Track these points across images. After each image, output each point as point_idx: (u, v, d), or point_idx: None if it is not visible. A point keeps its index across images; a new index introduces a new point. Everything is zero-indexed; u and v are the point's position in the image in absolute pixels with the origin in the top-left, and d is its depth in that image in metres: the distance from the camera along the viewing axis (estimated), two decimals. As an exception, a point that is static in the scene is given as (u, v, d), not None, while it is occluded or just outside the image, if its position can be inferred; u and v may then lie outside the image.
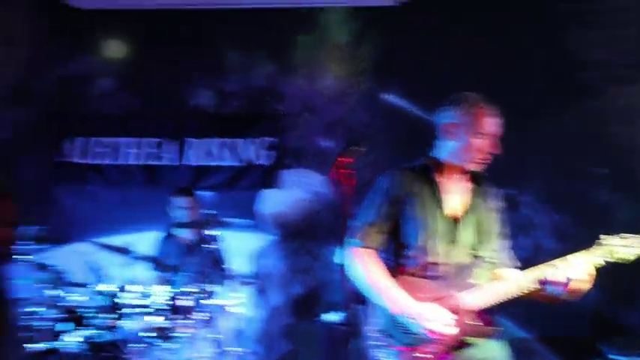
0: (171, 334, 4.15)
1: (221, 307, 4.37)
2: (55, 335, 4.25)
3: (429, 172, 2.75)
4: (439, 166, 2.76)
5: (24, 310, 4.34)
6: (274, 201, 5.46)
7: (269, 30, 5.45)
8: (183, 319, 4.17)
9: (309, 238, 5.43)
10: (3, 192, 3.15)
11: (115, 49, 5.68)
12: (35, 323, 4.34)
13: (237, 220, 4.75)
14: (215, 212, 4.50)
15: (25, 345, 4.25)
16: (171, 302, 4.18)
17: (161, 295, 4.18)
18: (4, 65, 5.70)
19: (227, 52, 5.51)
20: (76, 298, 4.38)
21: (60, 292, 4.39)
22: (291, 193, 5.46)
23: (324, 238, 5.38)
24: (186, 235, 4.97)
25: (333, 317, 4.82)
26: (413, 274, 2.69)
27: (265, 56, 5.51)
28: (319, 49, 5.51)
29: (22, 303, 4.23)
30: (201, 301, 4.26)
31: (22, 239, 4.48)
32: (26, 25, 5.67)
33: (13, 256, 4.07)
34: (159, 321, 4.14)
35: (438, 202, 2.72)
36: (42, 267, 4.58)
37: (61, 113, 5.69)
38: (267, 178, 5.50)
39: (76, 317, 4.32)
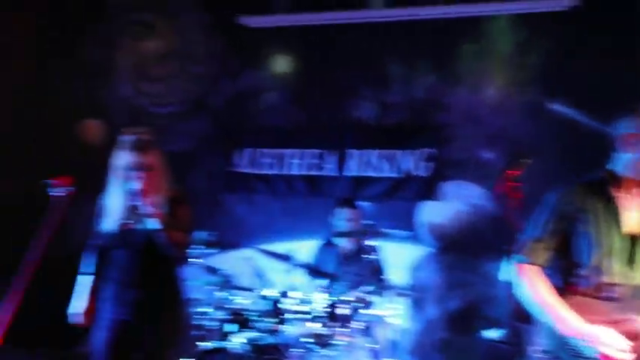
0: (329, 342, 4.16)
1: (378, 317, 4.34)
2: (223, 335, 4.39)
3: (605, 187, 2.59)
4: (616, 180, 2.59)
5: (195, 310, 4.52)
6: (433, 213, 5.39)
7: (432, 41, 5.39)
8: (341, 327, 4.17)
9: (467, 251, 5.29)
10: (181, 199, 3.28)
11: (281, 64, 5.84)
12: (205, 323, 4.52)
13: (395, 231, 4.73)
14: (374, 223, 4.49)
15: (197, 343, 4.43)
16: (330, 310, 4.19)
17: (320, 302, 4.21)
18: (184, 81, 6.05)
19: (390, 64, 5.50)
20: (241, 301, 4.54)
21: (227, 295, 4.54)
22: (451, 205, 5.35)
23: (484, 252, 5.21)
24: (345, 244, 5.00)
25: (493, 334, 4.72)
26: (584, 295, 2.55)
27: (428, 67, 5.45)
28: (483, 58, 5.37)
29: (194, 303, 4.38)
30: (359, 310, 4.24)
31: (195, 244, 4.72)
32: (203, 43, 5.99)
33: (188, 260, 4.22)
34: (318, 327, 4.17)
35: (615, 218, 2.55)
36: (212, 270, 4.77)
37: (232, 126, 5.93)
38: (426, 189, 5.43)
39: (241, 319, 4.46)
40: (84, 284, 3.35)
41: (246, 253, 5.00)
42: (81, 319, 3.31)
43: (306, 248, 5.16)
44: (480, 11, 5.34)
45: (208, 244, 4.88)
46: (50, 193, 2.82)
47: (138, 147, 3.20)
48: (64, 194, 2.81)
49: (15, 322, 2.58)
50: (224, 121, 5.96)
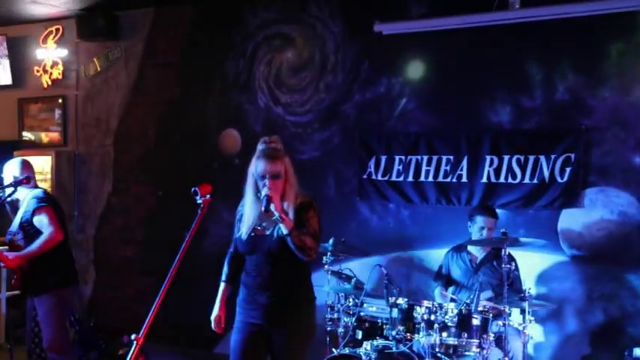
0: (460, 352, 4.09)
1: (512, 329, 4.23)
2: (353, 342, 4.43)
3: None
4: None
5: (325, 316, 4.59)
6: (575, 220, 5.10)
7: (574, 40, 5.11)
8: (474, 337, 4.09)
9: (613, 262, 4.98)
10: (311, 206, 3.33)
11: (416, 70, 5.76)
12: (335, 329, 4.60)
13: (533, 240, 4.57)
14: (509, 230, 4.36)
15: (328, 348, 4.55)
16: (462, 319, 4.11)
17: (452, 311, 4.13)
18: (319, 90, 6.14)
19: (528, 66, 5.28)
20: (371, 308, 4.54)
21: (357, 302, 4.55)
22: (595, 213, 5.04)
23: (633, 264, 4.90)
24: (479, 252, 4.91)
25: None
26: None
27: (570, 68, 5.16)
28: (631, 56, 4.96)
29: (324, 309, 4.45)
30: (492, 321, 4.15)
31: (326, 250, 4.83)
32: (338, 51, 6.05)
33: (318, 265, 4.48)
34: (449, 337, 4.10)
35: None
36: (342, 277, 4.82)
37: (365, 133, 5.89)
38: (567, 196, 5.13)
39: (371, 327, 4.48)
40: (221, 291, 3.55)
41: (376, 260, 5.05)
42: (216, 325, 3.54)
43: (437, 256, 5.10)
44: (627, 6, 4.93)
45: (339, 251, 4.90)
46: (196, 201, 2.91)
47: (269, 155, 3.26)
48: (205, 201, 2.91)
49: (157, 323, 2.72)
50: (357, 129, 5.94)
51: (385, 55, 5.80)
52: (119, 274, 7.20)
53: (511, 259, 4.48)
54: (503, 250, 4.23)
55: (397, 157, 5.76)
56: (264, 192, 3.18)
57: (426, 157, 5.59)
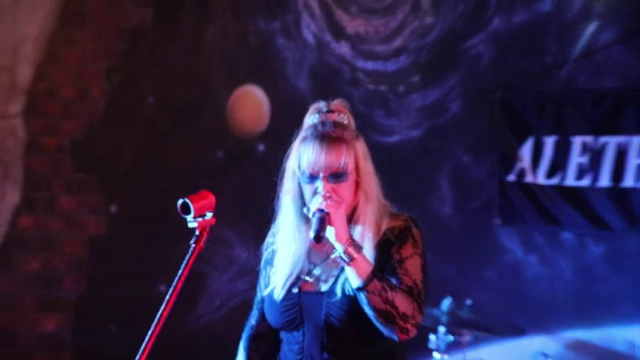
0: None
1: None
2: None
3: None
4: None
5: None
6: None
7: None
8: None
9: None
10: (409, 236, 2.87)
11: None
12: None
13: None
14: None
15: None
16: None
17: None
18: (426, 11, 5.35)
19: None
20: None
21: None
22: None
23: None
24: None
25: None
26: None
27: None
28: None
29: None
30: None
31: (436, 320, 4.51)
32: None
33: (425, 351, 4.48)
34: None
35: None
36: None
37: (512, 91, 5.13)
38: None
39: None
40: None
41: (538, 344, 4.77)
42: None
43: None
44: None
45: (461, 323, 4.43)
46: (187, 223, 2.51)
47: (326, 136, 2.86)
48: (203, 225, 2.53)
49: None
50: (497, 86, 5.09)
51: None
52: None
53: None
54: None
55: (578, 140, 4.88)
56: (315, 205, 2.74)
57: (638, 141, 4.78)
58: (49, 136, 6.31)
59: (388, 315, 2.75)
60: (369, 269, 2.73)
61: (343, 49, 5.64)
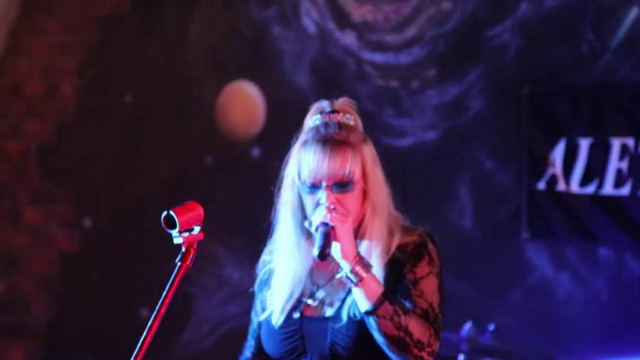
0: None
1: None
2: None
3: None
4: None
5: None
6: None
7: None
8: None
9: None
10: (425, 253, 2.80)
11: None
12: None
13: None
14: None
15: None
16: None
17: None
18: None
19: None
20: None
21: None
22: None
23: None
24: None
25: None
26: None
27: None
28: None
29: None
30: None
31: (461, 349, 4.44)
32: None
33: None
34: None
35: None
36: None
37: (542, 86, 5.05)
38: None
39: None
40: None
41: None
42: None
43: None
44: None
45: (484, 351, 4.35)
46: (173, 239, 2.39)
47: (329, 139, 2.79)
48: (190, 241, 2.45)
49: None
50: (525, 80, 4.92)
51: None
52: None
53: None
54: None
55: (617, 142, 4.76)
56: (317, 218, 2.65)
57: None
58: (12, 140, 6.16)
59: (401, 342, 2.66)
60: (379, 291, 2.65)
61: (348, 39, 5.42)
